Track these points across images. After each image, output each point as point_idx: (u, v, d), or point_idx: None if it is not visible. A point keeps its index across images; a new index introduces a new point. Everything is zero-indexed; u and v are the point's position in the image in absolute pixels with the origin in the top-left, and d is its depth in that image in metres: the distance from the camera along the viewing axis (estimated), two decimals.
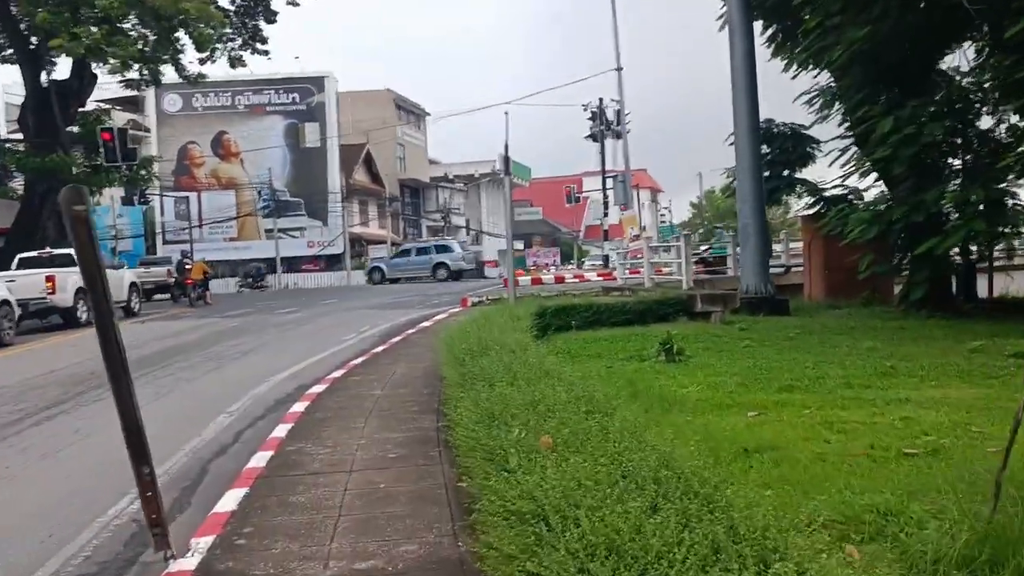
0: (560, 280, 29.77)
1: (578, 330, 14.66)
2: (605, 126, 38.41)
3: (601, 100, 38.97)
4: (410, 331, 15.70)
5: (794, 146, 20.72)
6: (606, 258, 39.00)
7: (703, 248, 27.65)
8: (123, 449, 4.51)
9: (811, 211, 20.57)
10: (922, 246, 14.57)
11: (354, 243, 57.87)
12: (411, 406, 8.46)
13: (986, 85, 15.93)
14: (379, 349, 13.33)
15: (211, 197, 57.77)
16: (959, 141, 15.50)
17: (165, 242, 56.03)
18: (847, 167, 17.87)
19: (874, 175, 18.48)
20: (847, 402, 8.08)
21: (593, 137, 38.06)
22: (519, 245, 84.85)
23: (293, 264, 56.31)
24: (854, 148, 17.25)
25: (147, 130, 58.35)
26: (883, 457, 6.01)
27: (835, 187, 20.04)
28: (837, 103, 18.04)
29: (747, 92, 18.35)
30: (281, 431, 7.85)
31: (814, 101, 18.34)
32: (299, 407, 8.92)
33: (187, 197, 57.13)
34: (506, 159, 14.16)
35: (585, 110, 38.66)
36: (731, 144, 21.10)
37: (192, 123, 58.51)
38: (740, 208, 18.58)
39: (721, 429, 7.01)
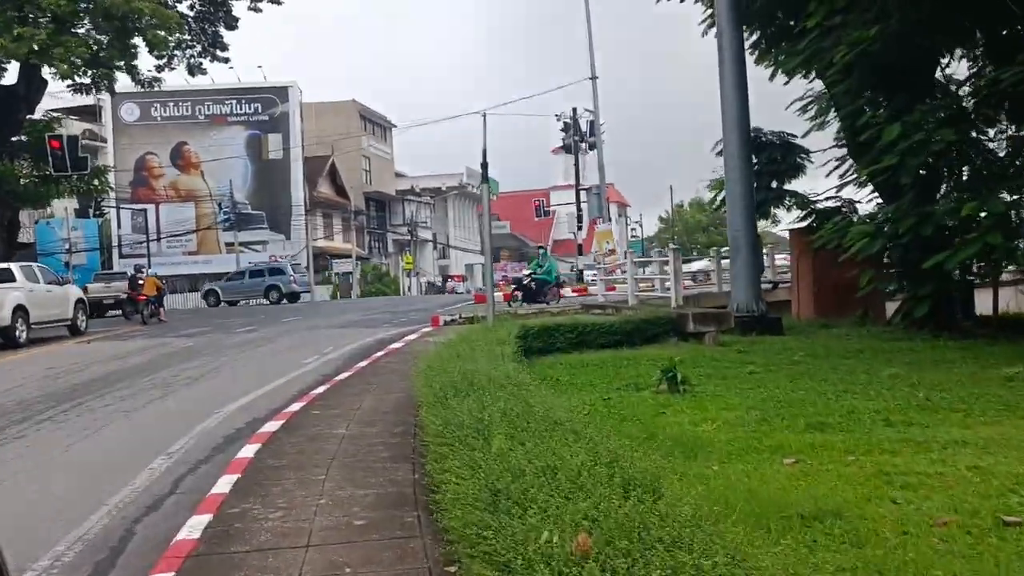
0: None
1: (562, 353, 13.44)
2: (579, 137, 37.32)
3: (575, 110, 37.95)
4: (378, 353, 14.34)
5: (783, 156, 19.68)
6: (580, 273, 37.84)
7: (526, 273, 26.80)
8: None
9: (802, 224, 19.52)
10: (930, 260, 13.51)
11: (317, 257, 56.30)
12: (381, 451, 7.14)
13: (983, 94, 15.02)
14: (344, 375, 11.97)
15: (170, 210, 55.97)
16: (967, 149, 14.44)
17: (122, 256, 54.04)
18: (845, 177, 16.88)
19: (869, 187, 17.54)
20: (894, 445, 6.90)
21: (566, 148, 36.87)
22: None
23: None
24: (851, 158, 16.21)
25: (104, 140, 56.47)
26: (977, 527, 4.81)
27: (828, 199, 19.07)
28: (833, 110, 17.02)
29: (737, 96, 17.30)
30: (225, 484, 6.50)
31: (808, 108, 17.31)
32: (249, 450, 7.56)
33: (145, 209, 55.26)
34: (484, 166, 12.95)
35: (558, 120, 37.60)
36: (718, 153, 20.10)
37: (150, 133, 56.72)
38: (730, 219, 17.48)
39: (759, 483, 5.78)
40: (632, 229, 73.57)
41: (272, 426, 8.59)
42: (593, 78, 35.27)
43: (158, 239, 55.38)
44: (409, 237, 65.25)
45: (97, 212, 54.51)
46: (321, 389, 10.78)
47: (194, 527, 5.48)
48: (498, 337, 10.69)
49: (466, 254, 75.76)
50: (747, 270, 17.29)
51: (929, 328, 15.50)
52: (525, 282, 25.10)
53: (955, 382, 9.75)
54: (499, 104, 53.95)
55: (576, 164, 38.02)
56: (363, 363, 13.12)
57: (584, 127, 37.59)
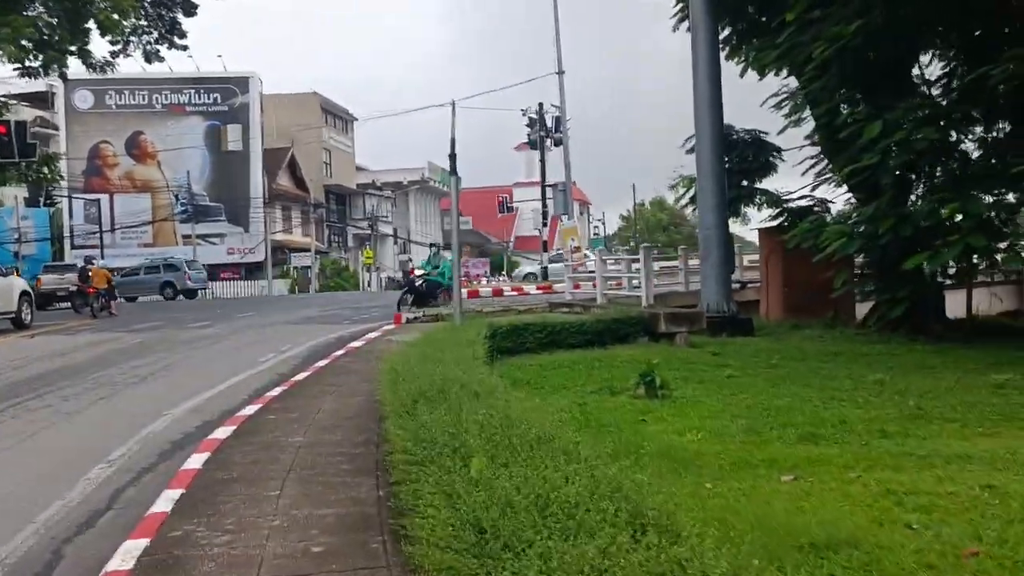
0: (498, 293, 27.97)
1: (532, 353, 12.90)
2: (544, 132, 36.75)
3: (541, 105, 37.33)
4: (338, 352, 13.67)
5: (755, 154, 19.30)
6: (545, 270, 37.31)
7: (419, 273, 23.76)
8: None
9: (773, 223, 19.16)
10: (910, 261, 13.15)
11: (276, 250, 55.24)
12: (342, 463, 6.53)
13: (967, 91, 14.73)
14: (302, 376, 11.30)
15: (125, 200, 54.61)
16: (948, 149, 14.12)
17: (74, 247, 52.64)
18: (820, 176, 16.52)
19: (844, 187, 17.21)
20: (895, 459, 6.44)
21: (531, 144, 36.31)
22: (447, 256, 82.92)
23: (212, 272, 53.41)
24: (826, 156, 15.83)
25: (56, 128, 54.96)
26: (1009, 560, 4.33)
27: (800, 198, 18.73)
28: (808, 107, 16.62)
29: (710, 92, 16.88)
30: (167, 501, 5.85)
31: (783, 104, 16.91)
32: (196, 460, 6.90)
33: (98, 200, 53.83)
34: (452, 157, 12.52)
35: (524, 115, 37.03)
36: (688, 150, 19.70)
37: (105, 121, 55.28)
38: (702, 217, 17.06)
39: (761, 506, 5.27)
40: (595, 227, 73.29)
41: (223, 432, 7.92)
42: (559, 72, 34.80)
43: (112, 230, 53.99)
44: (369, 231, 64.33)
45: (48, 201, 53.01)
46: (277, 391, 10.12)
47: (128, 554, 4.84)
48: (466, 337, 10.11)
49: (427, 250, 74.94)
50: (718, 270, 16.88)
51: (903, 331, 15.20)
52: (418, 283, 22.83)
53: (944, 389, 9.35)
54: (464, 97, 53.16)
55: (542, 160, 37.45)
56: (322, 362, 12.46)
57: (550, 123, 37.08)
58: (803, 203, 18.58)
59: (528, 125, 37.09)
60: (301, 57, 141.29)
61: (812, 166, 16.56)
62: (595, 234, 72.10)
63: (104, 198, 54.31)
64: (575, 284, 28.76)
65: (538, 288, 29.53)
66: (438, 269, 22.97)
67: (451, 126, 13.60)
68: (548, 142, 37.06)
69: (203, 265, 47.73)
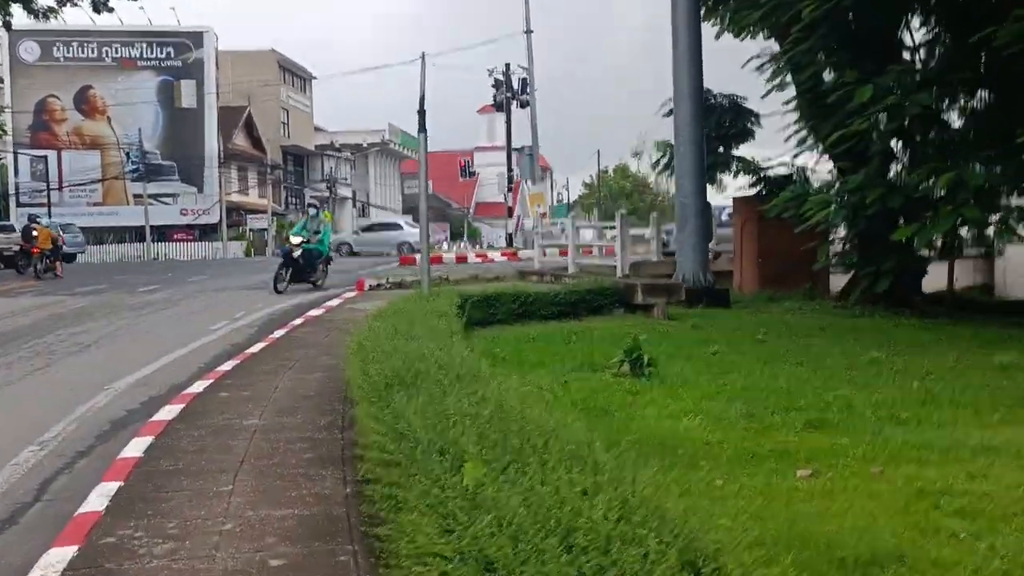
0: (462, 259, 27.17)
1: (504, 324, 12.21)
2: (511, 94, 35.78)
3: (508, 66, 36.35)
4: (296, 321, 12.84)
5: (732, 120, 18.66)
6: (510, 237, 36.55)
7: (295, 242, 18.55)
8: None
9: (750, 192, 18.58)
10: (899, 233, 12.63)
11: (232, 212, 53.79)
12: (303, 450, 5.80)
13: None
14: (257, 347, 10.49)
15: (73, 157, 52.70)
16: (939, 117, 13.57)
17: (19, 204, 50.74)
18: (803, 144, 15.89)
19: (826, 156, 16.65)
20: (916, 451, 5.85)
21: (497, 106, 35.35)
22: (408, 219, 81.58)
23: (164, 233, 51.93)
24: (808, 123, 15.19)
25: (0, 80, 52.83)
26: None
27: (778, 165, 18.14)
28: (789, 72, 15.95)
29: (690, 52, 16.14)
30: (101, 497, 5.08)
31: (765, 67, 16.23)
32: (137, 446, 6.12)
33: (45, 156, 51.83)
34: (421, 113, 11.54)
35: (490, 75, 35.96)
36: (665, 114, 19.06)
37: (53, 75, 53.16)
38: (679, 184, 16.40)
39: (779, 506, 4.65)
40: (558, 193, 72.54)
41: (169, 412, 7.13)
42: (528, 32, 33.75)
43: (60, 188, 52.14)
44: (328, 194, 62.99)
45: None
46: (230, 364, 9.31)
47: (50, 567, 4.08)
48: (437, 308, 9.37)
49: (386, 212, 73.70)
50: (695, 239, 16.27)
51: (883, 304, 14.74)
52: (296, 254, 18.21)
53: (946, 369, 8.82)
54: (427, 56, 50.93)
55: (508, 122, 36.52)
56: (279, 332, 11.65)
57: (516, 84, 36.13)
58: (781, 171, 17.98)
59: (494, 86, 36.08)
60: (258, 13, 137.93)
61: (795, 132, 15.93)
62: (559, 200, 71.28)
63: (51, 154, 52.31)
64: (543, 252, 28.14)
65: (503, 255, 28.79)
66: (318, 235, 18.82)
67: (420, 80, 12.48)
68: (514, 104, 36.14)
69: (80, 228, 44.91)
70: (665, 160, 19.55)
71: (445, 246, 60.06)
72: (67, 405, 8.16)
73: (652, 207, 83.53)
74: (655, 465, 4.68)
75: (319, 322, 12.55)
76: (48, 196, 50.17)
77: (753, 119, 18.83)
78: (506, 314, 12.41)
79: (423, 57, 11.22)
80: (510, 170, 36.85)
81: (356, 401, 5.14)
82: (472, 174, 64.45)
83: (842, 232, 20.59)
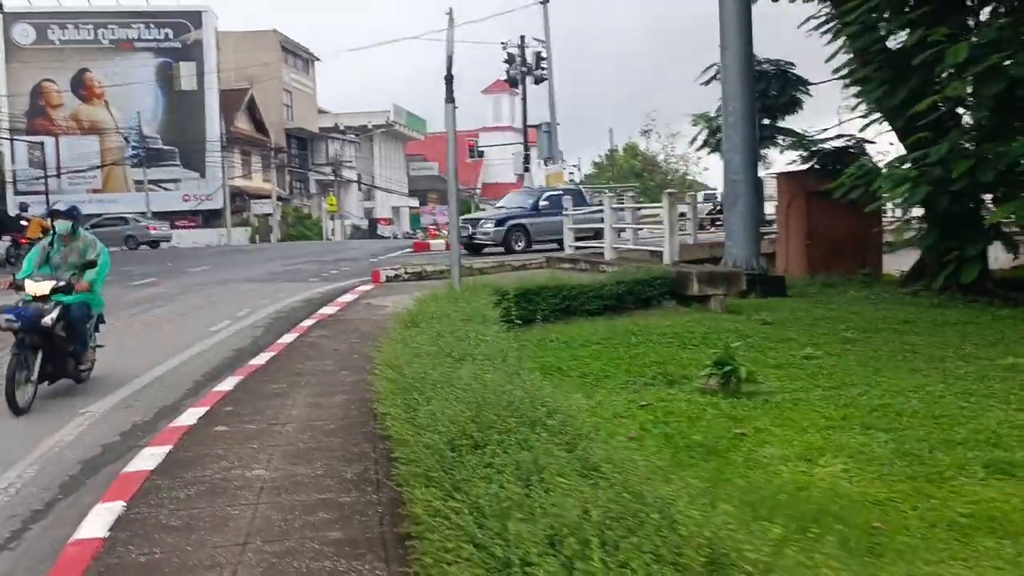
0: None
1: (546, 322, 10.61)
2: (526, 68, 33.94)
3: (523, 38, 34.45)
4: (307, 322, 11.21)
5: (780, 89, 16.95)
6: None
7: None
8: None
9: (803, 167, 16.91)
10: (1000, 211, 10.98)
11: (235, 197, 52.18)
12: (328, 525, 4.21)
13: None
14: (263, 358, 8.86)
15: (71, 143, 50.99)
16: None
17: (17, 192, 49.05)
18: (863, 114, 14.21)
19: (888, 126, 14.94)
20: None
21: (511, 81, 33.56)
22: (414, 203, 79.86)
23: (167, 220, 50.36)
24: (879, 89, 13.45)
25: None
26: None
27: (836, 138, 16.46)
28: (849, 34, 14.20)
29: (739, 10, 14.46)
30: None
31: (828, 27, 14.46)
32: (101, 520, 4.52)
33: (42, 142, 50.09)
34: (448, 80, 9.85)
35: (504, 48, 34.04)
36: (705, 83, 17.45)
37: (48, 58, 51.46)
38: (728, 160, 14.72)
39: None
40: (569, 172, 70.64)
41: (152, 456, 5.54)
42: (544, 2, 31.86)
43: (58, 175, 50.50)
44: (333, 177, 61.32)
45: None
46: (231, 382, 7.70)
47: None
48: (476, 310, 7.75)
49: (392, 196, 72.04)
50: (746, 220, 14.63)
51: (956, 290, 13.12)
52: (48, 320, 7.68)
53: None
54: (432, 31, 49.46)
55: (524, 98, 34.68)
56: (288, 337, 10.03)
57: (530, 59, 34.29)
58: (837, 144, 16.30)
59: (507, 61, 34.22)
60: None
61: (858, 102, 14.23)
62: (570, 179, 69.47)
63: (49, 140, 50.60)
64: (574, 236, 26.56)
65: None
66: (86, 273, 8.52)
67: (447, 42, 10.81)
68: (528, 79, 34.35)
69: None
70: (704, 135, 17.88)
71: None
72: (29, 439, 6.59)
73: (662, 186, 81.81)
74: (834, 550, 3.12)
75: (334, 323, 10.92)
76: (46, 183, 48.52)
77: (802, 87, 17.13)
78: (547, 310, 10.81)
79: (450, 13, 9.79)
80: (527, 149, 35.08)
81: (406, 479, 3.53)
82: (481, 154, 62.52)
83: (899, 212, 19.00)
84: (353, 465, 5.08)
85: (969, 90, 11.50)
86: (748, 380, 6.91)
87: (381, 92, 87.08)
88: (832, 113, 17.40)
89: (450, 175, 10.44)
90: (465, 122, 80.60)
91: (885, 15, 13.34)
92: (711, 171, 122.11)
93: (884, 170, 13.13)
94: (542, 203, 23.64)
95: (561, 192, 24.49)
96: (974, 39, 10.76)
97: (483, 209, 35.65)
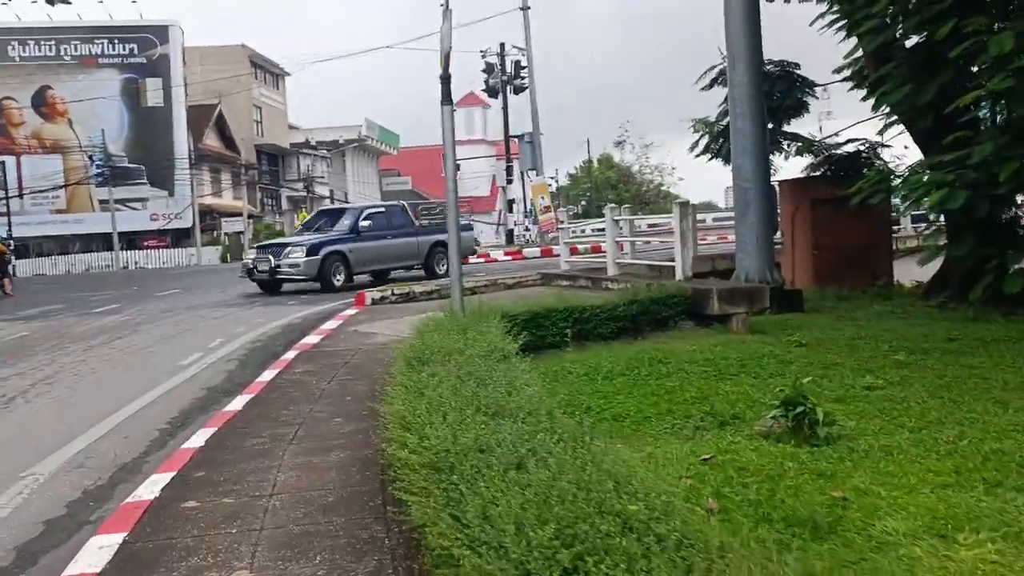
0: (464, 261, 24.32)
1: (556, 348, 9.49)
2: (506, 77, 32.81)
3: (503, 46, 33.29)
4: (288, 355, 9.96)
5: (785, 91, 15.96)
6: (510, 233, 33.72)
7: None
8: None
9: (814, 173, 15.94)
10: None
11: (205, 215, 50.70)
12: None
13: None
14: (240, 402, 7.62)
15: (33, 162, 49.42)
16: None
17: None
18: (886, 114, 13.24)
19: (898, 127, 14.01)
20: None
21: (490, 91, 32.41)
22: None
23: (134, 240, 48.83)
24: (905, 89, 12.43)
25: None
26: None
27: (846, 142, 15.50)
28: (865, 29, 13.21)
29: (747, 12, 13.47)
30: None
31: (841, 24, 13.49)
32: None
33: (3, 162, 48.42)
34: (445, 79, 8.76)
35: (483, 57, 32.84)
36: (704, 87, 16.47)
37: (8, 75, 49.97)
38: (737, 166, 13.66)
39: None
40: (548, 184, 69.72)
41: (100, 553, 4.33)
42: (524, 9, 30.70)
43: (20, 196, 48.82)
44: (305, 193, 59.98)
45: None
46: (201, 436, 6.46)
47: None
48: (489, 342, 6.60)
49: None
50: (759, 231, 13.55)
51: (985, 302, 12.14)
52: None
53: None
54: (406, 41, 47.92)
55: (505, 108, 33.53)
56: (268, 373, 8.80)
57: (510, 68, 33.18)
58: (849, 148, 15.35)
59: (485, 71, 33.08)
60: (225, 6, 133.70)
61: (875, 103, 13.24)
62: (552, 191, 68.49)
63: (10, 160, 48.97)
64: (543, 248, 25.50)
65: (506, 254, 26.00)
66: None
67: (441, 38, 9.56)
68: (508, 89, 33.25)
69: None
70: (705, 141, 16.86)
71: None
72: None
73: (636, 198, 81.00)
74: None
75: (318, 356, 9.69)
76: (7, 205, 46.90)
77: (808, 90, 16.15)
78: (557, 335, 9.68)
79: (447, 5, 8.76)
80: (508, 161, 33.95)
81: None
82: (458, 167, 61.10)
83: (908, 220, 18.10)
84: (365, 560, 3.91)
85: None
86: (829, 424, 5.80)
87: (352, 107, 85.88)
88: (838, 116, 16.47)
89: (448, 181, 9.32)
90: (437, 136, 79.55)
91: (911, 5, 12.36)
92: (686, 181, 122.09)
93: (905, 174, 12.13)
94: (363, 223, 19.91)
95: (383, 209, 21.19)
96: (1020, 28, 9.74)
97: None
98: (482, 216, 62.42)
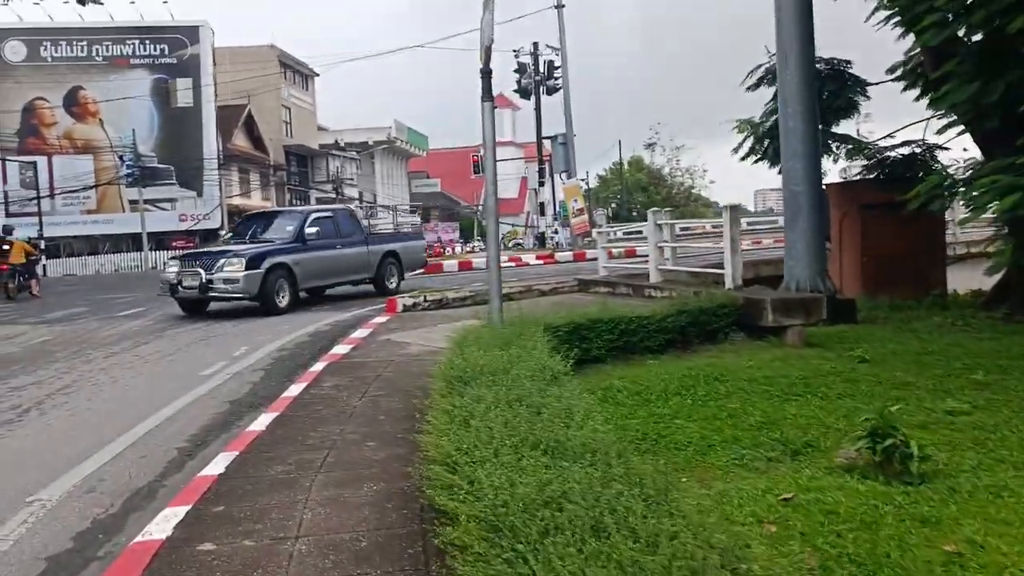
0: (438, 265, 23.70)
1: (600, 362, 8.88)
2: (539, 77, 32.18)
3: (536, 45, 32.71)
4: (316, 366, 9.39)
5: (835, 91, 15.22)
6: (541, 236, 33.06)
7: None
8: None
9: (868, 176, 15.22)
10: None
11: (233, 216, 50.43)
12: None
13: None
14: (263, 422, 7.04)
15: (64, 162, 49.29)
16: None
17: (8, 214, 47.29)
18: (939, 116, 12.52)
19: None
20: None
21: (522, 92, 31.79)
22: (416, 220, 78.10)
23: (163, 241, 48.64)
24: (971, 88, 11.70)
25: None
26: None
27: (901, 144, 14.76)
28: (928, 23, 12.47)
29: (800, 3, 12.80)
30: None
31: (900, 19, 12.75)
32: None
33: (34, 162, 48.39)
34: (486, 74, 8.17)
35: (516, 57, 32.25)
36: (750, 87, 15.79)
37: (40, 76, 49.90)
38: (787, 169, 12.99)
39: None
40: (581, 186, 69.06)
41: None
42: (559, 7, 30.08)
43: (52, 196, 48.77)
44: (334, 195, 59.64)
45: None
46: (221, 462, 5.88)
47: None
48: (538, 360, 6.00)
49: (395, 214, 70.37)
50: (810, 238, 12.87)
51: None
52: None
53: None
54: (435, 40, 47.36)
55: (537, 108, 32.93)
56: (294, 387, 8.22)
57: (543, 68, 32.56)
58: (903, 151, 14.61)
59: (518, 71, 32.48)
60: (255, 6, 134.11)
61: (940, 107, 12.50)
62: (584, 193, 67.82)
63: (42, 160, 48.91)
64: (577, 252, 24.92)
65: (538, 258, 25.37)
66: None
67: (481, 29, 8.74)
68: (541, 89, 32.64)
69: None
70: (750, 143, 16.14)
71: (459, 248, 56.81)
72: None
73: (666, 200, 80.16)
74: None
75: (348, 367, 9.11)
76: (39, 205, 46.86)
77: (860, 89, 15.40)
78: (603, 347, 9.07)
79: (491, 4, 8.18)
80: (541, 163, 33.31)
81: None
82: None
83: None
84: None
85: None
86: (923, 458, 5.14)
87: (381, 108, 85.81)
88: (877, 119, 15.79)
89: (488, 183, 8.70)
90: (465, 137, 79.03)
91: None
92: (717, 184, 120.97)
93: (963, 177, 11.41)
94: (309, 230, 16.44)
95: (330, 213, 17.97)
96: None
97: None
98: (511, 219, 61.87)
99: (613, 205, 76.44)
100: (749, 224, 34.79)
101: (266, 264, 15.07)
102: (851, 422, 6.30)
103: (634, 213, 70.91)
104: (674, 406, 7.00)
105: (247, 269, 14.81)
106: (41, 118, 50.04)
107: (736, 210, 12.91)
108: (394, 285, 18.25)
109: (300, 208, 19.17)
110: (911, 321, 12.46)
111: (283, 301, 15.25)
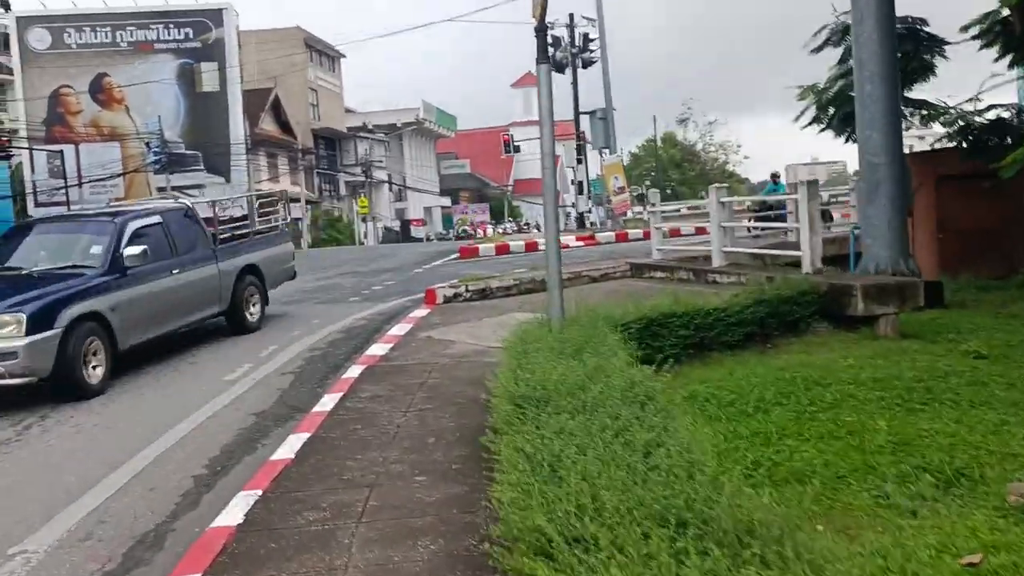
0: (532, 247, 22.52)
1: (675, 361, 7.72)
2: (576, 50, 30.88)
3: (572, 16, 31.39)
4: (351, 372, 8.24)
5: (911, 52, 13.90)
6: (581, 217, 31.86)
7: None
8: None
9: (949, 145, 13.95)
10: None
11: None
12: None
13: None
14: (292, 446, 5.98)
15: (91, 150, 48.54)
16: None
17: (37, 204, 46.81)
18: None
19: None
20: None
21: (558, 66, 30.48)
22: (445, 202, 76.94)
23: None
24: None
25: (11, 72, 49.06)
26: None
27: (987, 109, 13.47)
28: None
29: None
30: None
31: None
32: None
33: (62, 151, 47.79)
34: (541, 31, 7.05)
35: (551, 29, 30.92)
36: (814, 49, 14.52)
37: (65, 63, 49.26)
38: (864, 139, 11.72)
39: None
40: (622, 162, 67.53)
41: None
42: None
43: (79, 184, 48.22)
44: (363, 178, 58.70)
45: (3, 154, 47.15)
46: (239, 508, 4.81)
47: None
48: (630, 376, 4.92)
49: (424, 196, 69.36)
50: (890, 213, 11.60)
51: None
52: None
53: None
54: (466, 14, 46.41)
55: (574, 83, 31.63)
56: (328, 399, 7.14)
57: (579, 40, 31.24)
58: (989, 116, 13.32)
59: (552, 44, 31.17)
60: None
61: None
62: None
63: (69, 149, 48.33)
64: (619, 233, 23.72)
65: (578, 239, 24.19)
66: None
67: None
68: (578, 62, 31.35)
69: None
70: (813, 111, 14.88)
71: (490, 230, 55.68)
72: None
73: (700, 177, 78.41)
74: None
75: (388, 372, 8.00)
76: (67, 193, 46.34)
77: (937, 49, 14.08)
78: (676, 344, 7.94)
79: None
80: (579, 139, 32.06)
81: None
82: (517, 149, 59.48)
83: None
84: None
85: None
86: None
87: (409, 89, 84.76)
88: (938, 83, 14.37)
89: (544, 157, 7.53)
90: (494, 117, 77.71)
91: None
92: (752, 159, 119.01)
93: None
94: (129, 251, 9.50)
95: (158, 219, 10.75)
96: None
97: None
98: (535, 198, 60.48)
99: (647, 183, 74.94)
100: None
101: (65, 317, 8.39)
102: (1004, 442, 5.16)
103: (668, 191, 69.33)
104: (778, 420, 5.86)
105: (29, 332, 8.06)
106: (67, 106, 49.41)
107: (814, 186, 11.66)
108: (256, 318, 11.99)
109: (109, 211, 11.77)
110: (1006, 304, 11.26)
111: (95, 376, 8.64)
